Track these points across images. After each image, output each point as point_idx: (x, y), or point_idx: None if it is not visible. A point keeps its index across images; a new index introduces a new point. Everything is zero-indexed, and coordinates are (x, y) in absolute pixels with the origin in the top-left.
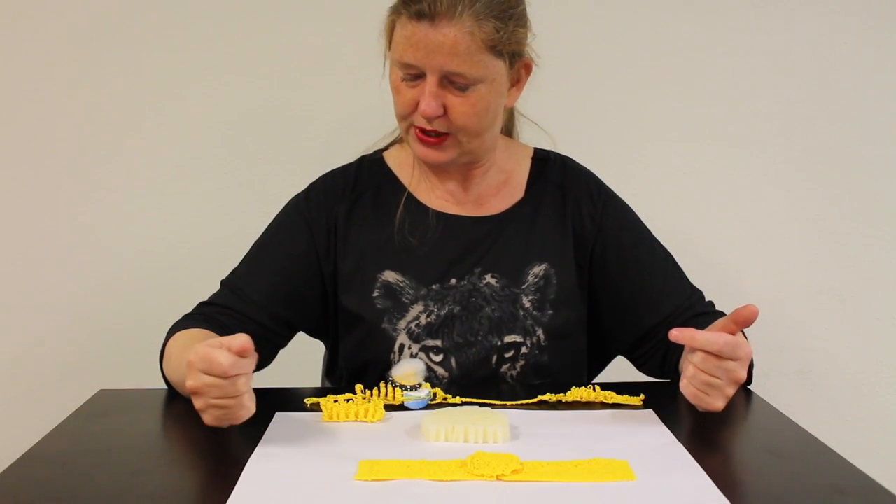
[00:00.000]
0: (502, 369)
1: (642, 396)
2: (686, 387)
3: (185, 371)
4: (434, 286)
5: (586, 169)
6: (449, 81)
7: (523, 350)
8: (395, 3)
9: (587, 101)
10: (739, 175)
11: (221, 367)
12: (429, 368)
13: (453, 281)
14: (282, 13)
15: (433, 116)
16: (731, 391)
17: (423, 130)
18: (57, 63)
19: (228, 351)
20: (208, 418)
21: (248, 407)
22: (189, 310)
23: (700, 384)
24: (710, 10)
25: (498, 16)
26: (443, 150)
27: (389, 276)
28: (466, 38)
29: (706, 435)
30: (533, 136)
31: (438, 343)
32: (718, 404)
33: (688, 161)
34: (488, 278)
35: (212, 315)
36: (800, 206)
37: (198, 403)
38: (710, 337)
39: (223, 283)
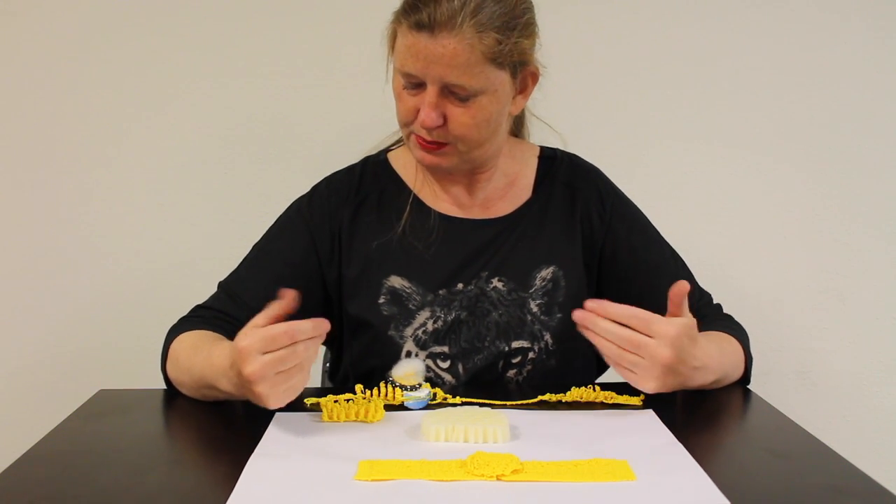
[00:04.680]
0: (509, 374)
1: (642, 396)
2: (610, 359)
3: (201, 369)
4: (441, 291)
5: (594, 166)
6: (449, 91)
7: (530, 355)
8: (397, 12)
9: (592, 102)
10: (740, 175)
11: (282, 334)
12: (436, 375)
13: (460, 286)
14: (283, 14)
15: (432, 127)
16: (657, 372)
17: (423, 137)
18: (57, 63)
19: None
20: (274, 401)
21: (308, 371)
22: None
23: (618, 357)
24: (714, 13)
25: (500, 27)
26: (443, 157)
27: (395, 281)
28: (466, 49)
29: (706, 435)
30: (541, 135)
31: (445, 349)
32: (648, 385)
33: (688, 161)
34: (495, 282)
35: (209, 319)
36: (800, 206)
37: (260, 387)
38: (618, 308)
39: (221, 285)
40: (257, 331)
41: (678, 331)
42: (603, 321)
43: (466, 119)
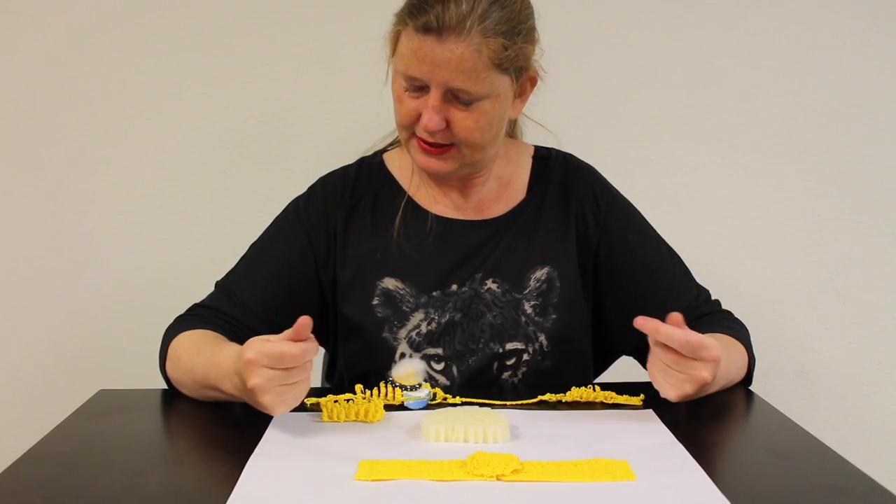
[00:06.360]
0: (503, 376)
1: (642, 396)
2: (654, 377)
3: (203, 370)
4: (435, 293)
5: (589, 165)
6: (453, 95)
7: (525, 357)
8: (402, 13)
9: (590, 102)
10: (740, 175)
11: (293, 356)
12: (430, 377)
13: (454, 287)
14: (283, 14)
15: (435, 131)
16: (689, 387)
17: (425, 140)
18: (57, 63)
19: (290, 341)
20: (280, 410)
21: (309, 381)
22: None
23: (663, 375)
24: (714, 13)
25: (506, 33)
26: (444, 161)
27: (389, 283)
28: (473, 54)
29: (706, 435)
30: (537, 135)
31: (440, 351)
32: (673, 394)
33: (688, 161)
34: (489, 284)
35: (207, 318)
36: (800, 206)
37: (265, 398)
38: (671, 332)
39: (218, 285)
40: (265, 345)
41: (717, 354)
42: (671, 354)
43: (469, 123)
